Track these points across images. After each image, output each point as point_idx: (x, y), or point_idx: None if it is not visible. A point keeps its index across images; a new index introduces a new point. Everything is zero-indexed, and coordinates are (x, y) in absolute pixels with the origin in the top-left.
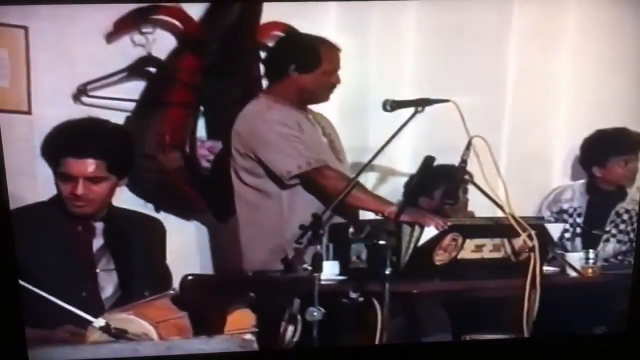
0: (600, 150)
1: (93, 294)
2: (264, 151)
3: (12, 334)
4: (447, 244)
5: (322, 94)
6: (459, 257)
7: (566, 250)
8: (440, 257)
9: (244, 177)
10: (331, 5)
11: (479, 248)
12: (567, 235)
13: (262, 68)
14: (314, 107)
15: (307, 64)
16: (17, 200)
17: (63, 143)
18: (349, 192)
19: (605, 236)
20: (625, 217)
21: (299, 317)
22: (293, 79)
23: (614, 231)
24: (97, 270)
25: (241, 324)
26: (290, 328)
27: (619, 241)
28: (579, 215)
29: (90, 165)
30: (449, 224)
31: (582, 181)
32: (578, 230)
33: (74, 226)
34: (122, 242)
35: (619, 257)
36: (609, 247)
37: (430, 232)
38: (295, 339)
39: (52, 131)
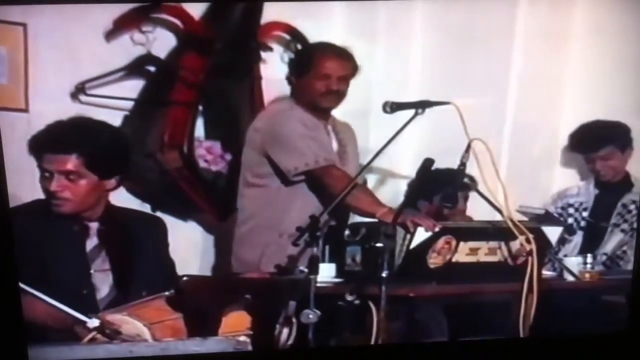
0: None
1: (88, 294)
2: (276, 146)
3: (12, 334)
4: (441, 247)
5: (320, 99)
6: (454, 260)
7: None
8: (434, 260)
9: (246, 175)
10: (336, 6)
11: (473, 251)
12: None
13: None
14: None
15: (297, 69)
16: (15, 198)
17: (43, 139)
18: (349, 192)
19: (610, 228)
20: (632, 207)
21: (294, 319)
22: (298, 84)
23: (620, 222)
24: (92, 271)
25: (236, 326)
26: (285, 330)
27: (622, 230)
28: (584, 209)
29: (65, 161)
30: (441, 226)
31: (588, 179)
32: (582, 224)
33: (69, 225)
34: (120, 242)
35: (623, 249)
36: (614, 239)
37: (422, 234)
38: (290, 342)
39: (40, 129)
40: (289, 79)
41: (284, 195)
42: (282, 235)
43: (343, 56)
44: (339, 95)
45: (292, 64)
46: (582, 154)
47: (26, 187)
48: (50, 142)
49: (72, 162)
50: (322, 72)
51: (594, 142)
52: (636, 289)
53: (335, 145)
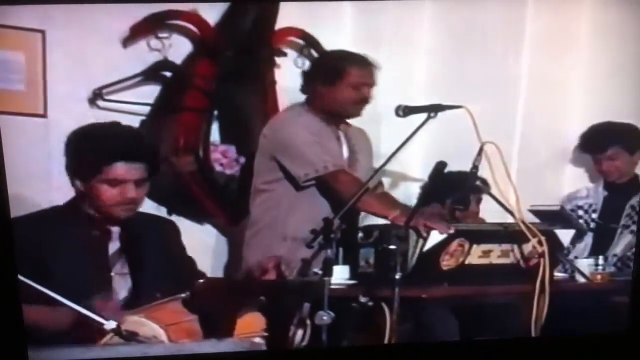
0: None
1: (107, 297)
2: (284, 153)
3: (12, 334)
4: (454, 250)
5: (350, 108)
6: (467, 262)
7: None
8: (447, 262)
9: (256, 182)
10: (346, 10)
11: (486, 254)
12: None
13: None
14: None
15: (328, 77)
16: (32, 204)
17: (112, 148)
18: (359, 198)
19: (619, 229)
20: None
21: (308, 321)
22: (322, 93)
23: (629, 223)
24: (112, 274)
25: (251, 327)
26: (300, 332)
27: (631, 232)
28: (594, 211)
29: (139, 169)
30: (455, 229)
31: (597, 182)
32: (592, 226)
33: (90, 230)
34: (138, 245)
35: (633, 250)
36: (623, 241)
37: (436, 237)
38: (304, 343)
39: (84, 138)
40: (306, 86)
41: (290, 199)
42: (285, 239)
43: (372, 65)
44: (366, 104)
45: (315, 72)
46: (590, 154)
47: (41, 193)
48: (121, 151)
49: (142, 170)
50: (355, 82)
51: (601, 142)
52: (636, 289)
53: (345, 151)
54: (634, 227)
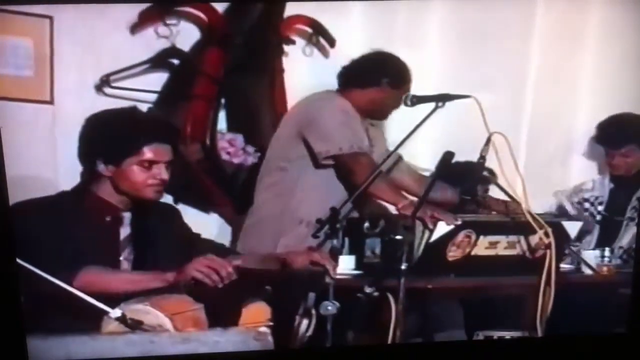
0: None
1: None
2: (312, 128)
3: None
4: (461, 241)
5: (380, 112)
6: (473, 253)
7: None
8: (453, 253)
9: (272, 160)
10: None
11: (493, 245)
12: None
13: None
14: None
15: (400, 79)
16: (38, 190)
17: (147, 130)
18: (371, 182)
19: (625, 222)
20: None
21: (313, 311)
22: (356, 92)
23: (634, 216)
24: (121, 259)
25: (256, 317)
26: (305, 322)
27: (637, 225)
28: (600, 203)
29: (168, 151)
30: (462, 220)
31: (603, 174)
32: (598, 218)
33: (101, 216)
34: (146, 231)
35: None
36: (629, 233)
37: (443, 228)
38: (309, 333)
39: (115, 121)
40: (341, 82)
41: (306, 182)
42: (301, 223)
43: (409, 73)
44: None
45: (352, 73)
46: (604, 147)
47: (48, 179)
48: (156, 133)
49: (170, 152)
50: (390, 90)
51: (618, 138)
52: (636, 289)
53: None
54: None
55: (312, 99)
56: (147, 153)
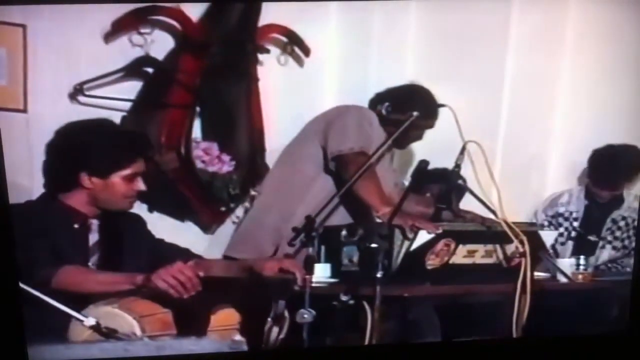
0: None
1: None
2: (334, 126)
3: (12, 334)
4: (440, 249)
5: (408, 142)
6: (451, 261)
7: (558, 256)
8: (432, 262)
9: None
10: (331, 7)
11: (471, 253)
12: (561, 239)
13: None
14: None
15: (430, 114)
16: (14, 197)
17: (136, 144)
18: (357, 179)
19: (601, 243)
20: (622, 224)
21: (286, 314)
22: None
23: (609, 238)
24: (90, 264)
25: (225, 322)
26: (275, 329)
27: (614, 248)
28: (575, 219)
29: (143, 163)
30: (442, 229)
31: (579, 187)
32: (573, 234)
33: (71, 223)
34: (114, 237)
35: (614, 264)
36: (604, 254)
37: (423, 236)
38: (280, 337)
39: (99, 135)
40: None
41: (308, 187)
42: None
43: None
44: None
45: (422, 108)
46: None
47: (23, 187)
48: (141, 147)
49: (144, 163)
50: (416, 124)
51: (609, 181)
52: (636, 290)
53: None
54: (616, 243)
55: (342, 107)
56: (133, 167)
